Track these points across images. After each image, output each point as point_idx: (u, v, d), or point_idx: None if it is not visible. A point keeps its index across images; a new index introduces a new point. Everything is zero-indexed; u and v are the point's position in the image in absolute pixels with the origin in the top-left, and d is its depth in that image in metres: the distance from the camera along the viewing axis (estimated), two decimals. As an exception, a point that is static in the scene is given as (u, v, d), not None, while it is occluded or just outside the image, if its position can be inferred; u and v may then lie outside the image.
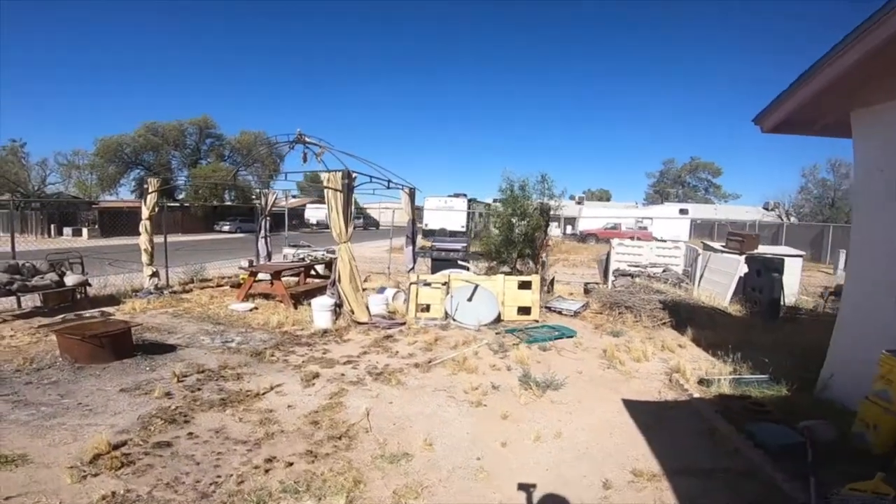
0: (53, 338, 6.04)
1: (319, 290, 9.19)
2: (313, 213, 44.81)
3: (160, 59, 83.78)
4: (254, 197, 39.78)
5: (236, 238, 29.95)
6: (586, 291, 9.77)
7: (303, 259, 10.13)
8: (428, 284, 7.93)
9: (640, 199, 55.40)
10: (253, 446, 3.52)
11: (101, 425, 3.73)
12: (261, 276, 8.96)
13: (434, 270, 9.79)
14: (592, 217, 27.12)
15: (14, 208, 24.92)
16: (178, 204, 33.90)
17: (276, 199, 11.67)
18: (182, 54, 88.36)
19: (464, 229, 25.96)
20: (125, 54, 79.54)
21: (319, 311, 7.12)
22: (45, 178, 35.69)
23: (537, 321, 7.63)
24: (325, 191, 7.25)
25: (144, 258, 8.84)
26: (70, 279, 7.50)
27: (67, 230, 27.53)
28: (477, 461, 3.52)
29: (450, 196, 27.81)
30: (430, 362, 5.67)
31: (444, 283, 7.82)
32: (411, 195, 10.33)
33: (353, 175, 7.47)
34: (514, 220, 9.27)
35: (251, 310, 8.02)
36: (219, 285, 10.37)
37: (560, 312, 8.24)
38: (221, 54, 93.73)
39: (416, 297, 7.82)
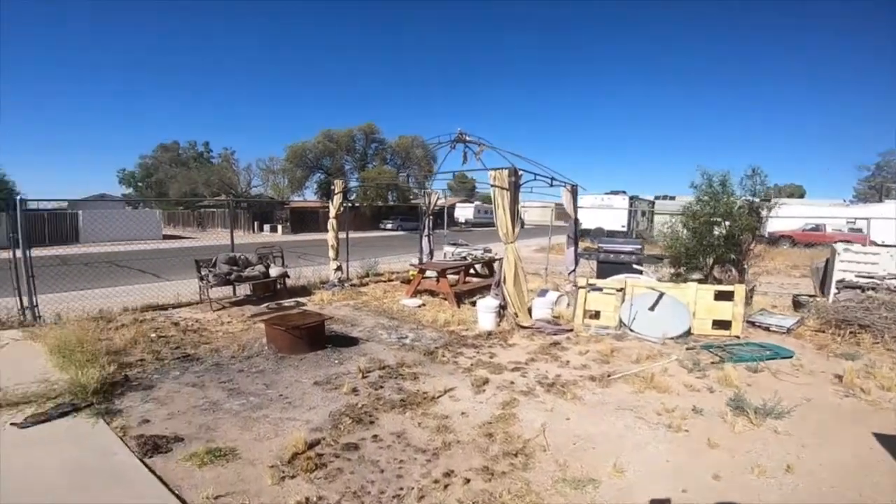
0: (260, 326, 6.86)
1: (479, 290, 9.21)
2: (461, 212, 46.26)
3: (332, 68, 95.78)
4: (412, 197, 42.48)
5: (397, 235, 32.21)
6: (797, 305, 8.06)
7: (464, 258, 10.19)
8: (598, 289, 7.27)
9: (848, 196, 45.75)
10: (432, 456, 3.42)
11: (297, 420, 3.92)
12: (428, 273, 9.21)
13: (600, 274, 9.04)
14: (789, 217, 22.78)
15: (228, 207, 30.40)
16: (350, 204, 37.68)
17: (437, 198, 11.95)
18: (350, 64, 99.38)
19: (624, 229, 24.07)
20: (306, 64, 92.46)
21: (484, 312, 6.98)
22: (249, 181, 42.66)
23: (738, 337, 6.46)
24: (492, 189, 7.07)
25: (331, 253, 9.72)
26: (273, 271, 8.56)
27: (266, 227, 32.50)
28: (682, 493, 3.00)
29: (607, 193, 26.04)
30: (608, 376, 5.09)
31: (620, 289, 7.08)
32: (574, 193, 9.68)
33: (520, 172, 7.16)
34: (715, 221, 7.97)
35: (420, 306, 8.26)
36: (389, 280, 11.01)
37: (767, 329, 6.87)
38: (383, 62, 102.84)
39: (584, 302, 7.22)
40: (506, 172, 6.97)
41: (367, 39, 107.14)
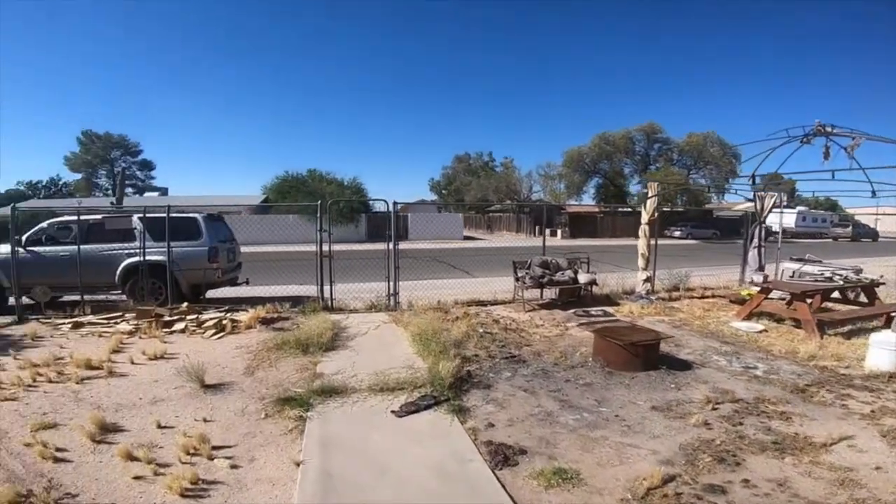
0: (574, 332, 6.70)
1: (851, 320, 7.17)
2: (776, 219, 38.00)
3: (611, 70, 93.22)
4: (705, 201, 37.37)
5: (689, 244, 28.75)
6: None
7: (828, 278, 7.88)
8: None
9: None
10: (835, 514, 2.60)
11: (641, 448, 3.52)
12: (773, 293, 7.50)
13: None
14: None
15: (512, 212, 32.84)
16: (630, 209, 35.86)
17: (773, 202, 9.75)
18: (627, 62, 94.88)
19: None
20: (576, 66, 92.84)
21: (884, 349, 5.23)
22: (530, 187, 45.08)
23: None
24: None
25: (640, 262, 8.98)
26: (582, 277, 8.37)
27: (547, 231, 33.62)
28: None
29: None
30: None
31: None
32: None
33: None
34: None
35: (761, 332, 6.80)
36: (703, 297, 9.57)
37: None
38: (664, 61, 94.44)
39: None
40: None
41: (639, 41, 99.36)
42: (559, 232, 33.16)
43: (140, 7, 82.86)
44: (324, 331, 6.02)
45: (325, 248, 7.91)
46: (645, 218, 8.86)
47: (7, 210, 7.77)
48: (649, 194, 8.85)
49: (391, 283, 8.14)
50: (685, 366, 5.38)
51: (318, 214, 8.03)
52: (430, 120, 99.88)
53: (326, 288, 8.03)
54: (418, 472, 3.13)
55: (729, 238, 33.73)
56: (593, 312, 7.92)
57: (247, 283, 8.90)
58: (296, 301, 7.95)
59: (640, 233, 8.94)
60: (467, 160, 61.87)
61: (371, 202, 27.02)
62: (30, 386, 4.57)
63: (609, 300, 8.84)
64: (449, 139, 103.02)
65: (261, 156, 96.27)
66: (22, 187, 54.76)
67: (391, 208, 8.21)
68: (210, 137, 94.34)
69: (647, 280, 8.92)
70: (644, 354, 5.09)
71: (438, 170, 69.15)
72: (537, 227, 34.42)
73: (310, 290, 8.38)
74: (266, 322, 6.97)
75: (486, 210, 45.46)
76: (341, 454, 3.33)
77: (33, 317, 7.23)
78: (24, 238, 7.77)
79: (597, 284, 8.73)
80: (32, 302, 7.62)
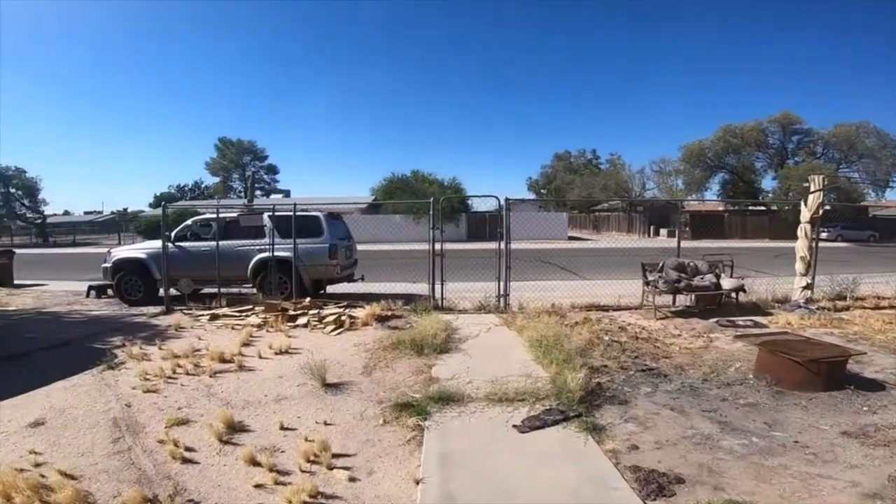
0: (721, 345, 5.86)
1: None
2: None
3: (739, 59, 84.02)
4: (860, 200, 32.07)
5: (839, 247, 24.79)
6: None
7: None
8: None
9: None
10: None
11: (836, 479, 2.95)
12: None
13: None
14: None
15: (622, 211, 30.77)
16: (763, 207, 31.90)
17: None
18: (759, 52, 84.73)
19: None
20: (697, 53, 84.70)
21: None
22: (643, 184, 41.87)
23: None
24: None
25: (799, 266, 7.62)
26: (726, 283, 7.30)
27: (662, 231, 31.10)
28: None
29: None
30: None
31: None
32: None
33: None
34: None
35: None
36: (878, 307, 7.95)
37: None
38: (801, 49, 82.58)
39: None
40: None
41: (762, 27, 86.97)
42: (678, 232, 30.47)
43: (262, 28, 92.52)
44: (437, 331, 5.79)
45: (437, 246, 7.76)
46: (806, 216, 7.47)
47: (160, 210, 8.67)
48: (811, 188, 7.47)
49: (502, 284, 7.75)
50: (876, 386, 4.48)
51: (431, 212, 7.92)
52: (528, 118, 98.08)
53: (437, 287, 7.88)
54: (552, 499, 2.71)
55: (890, 240, 28.74)
56: (740, 323, 6.85)
57: (362, 279, 9.09)
58: (407, 299, 7.92)
59: (800, 232, 7.56)
60: (568, 158, 59.71)
61: (473, 200, 26.84)
62: (169, 378, 4.82)
63: (757, 309, 7.63)
64: (547, 137, 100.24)
65: (368, 158, 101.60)
66: (172, 190, 63.17)
67: (503, 203, 7.82)
68: (324, 142, 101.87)
69: (807, 287, 7.53)
70: (827, 373, 4.26)
71: (537, 168, 67.60)
72: (651, 227, 31.97)
73: (419, 287, 8.32)
74: (381, 319, 6.96)
75: (591, 209, 43.28)
76: (462, 473, 3.00)
77: (178, 307, 7.95)
78: (172, 234, 8.62)
79: (744, 291, 7.56)
80: (177, 293, 8.41)
